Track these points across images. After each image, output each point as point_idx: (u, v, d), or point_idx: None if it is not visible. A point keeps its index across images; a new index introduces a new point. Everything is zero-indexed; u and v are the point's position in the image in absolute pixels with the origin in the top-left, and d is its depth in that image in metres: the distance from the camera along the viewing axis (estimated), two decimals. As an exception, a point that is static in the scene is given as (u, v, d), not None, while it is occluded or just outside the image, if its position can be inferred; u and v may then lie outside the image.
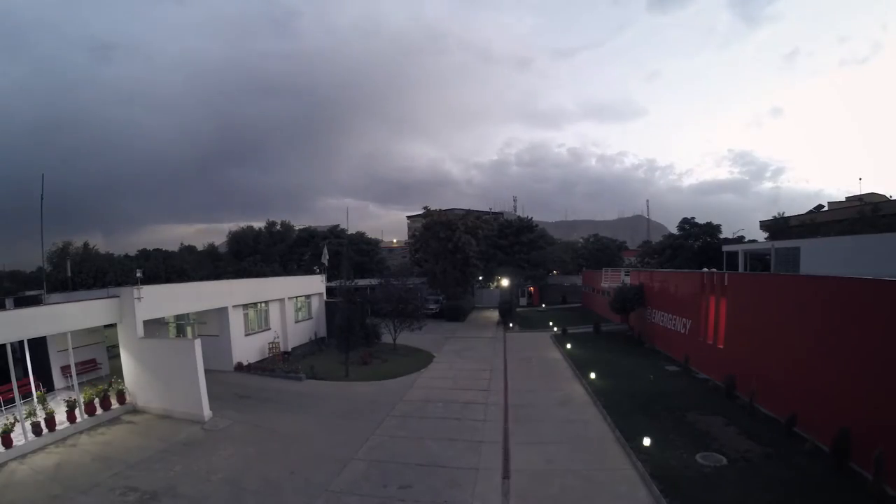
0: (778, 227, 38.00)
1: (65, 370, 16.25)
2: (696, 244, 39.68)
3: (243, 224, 54.33)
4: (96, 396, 13.86)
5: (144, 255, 45.79)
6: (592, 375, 17.39)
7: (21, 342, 13.29)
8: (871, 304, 9.86)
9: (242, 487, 9.77)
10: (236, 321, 20.55)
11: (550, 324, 31.96)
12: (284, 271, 43.85)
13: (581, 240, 70.33)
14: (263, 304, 22.88)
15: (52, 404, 13.04)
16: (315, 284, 28.25)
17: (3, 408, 13.37)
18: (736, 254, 28.54)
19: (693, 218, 41.85)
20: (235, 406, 15.06)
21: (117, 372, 15.91)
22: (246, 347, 20.94)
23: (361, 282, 36.68)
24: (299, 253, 51.00)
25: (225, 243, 54.28)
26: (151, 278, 31.43)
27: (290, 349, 23.27)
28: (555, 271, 54.19)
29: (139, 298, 14.81)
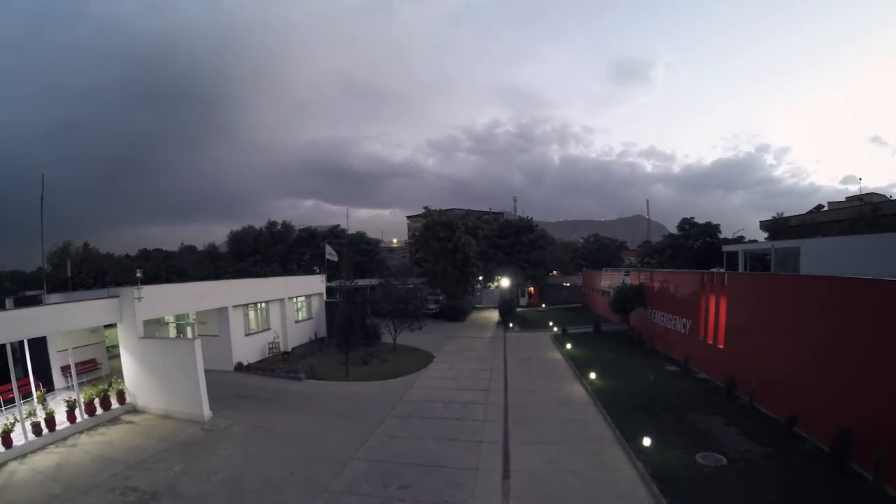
0: (778, 226, 38.06)
1: (65, 370, 16.25)
2: (696, 244, 39.74)
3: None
4: (96, 396, 13.87)
5: (144, 255, 45.86)
6: (592, 375, 17.39)
7: (21, 342, 13.30)
8: (871, 304, 9.86)
9: (242, 487, 9.77)
10: (236, 321, 20.55)
11: (550, 324, 31.96)
12: (284, 271, 43.86)
13: (581, 240, 70.47)
14: (263, 304, 22.87)
15: (52, 404, 13.02)
16: (315, 284, 28.25)
17: (3, 408, 13.39)
18: (736, 254, 28.49)
19: (693, 218, 41.97)
20: (235, 406, 15.06)
21: (117, 372, 15.92)
22: (246, 347, 20.94)
23: (361, 282, 36.70)
24: (299, 253, 51.03)
25: (225, 243, 54.30)
26: (151, 278, 31.43)
27: (290, 349, 23.28)
28: (555, 271, 54.20)
29: (139, 298, 14.81)
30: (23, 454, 11.36)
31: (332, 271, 33.03)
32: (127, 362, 15.00)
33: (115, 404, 14.34)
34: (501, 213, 70.91)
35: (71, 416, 12.90)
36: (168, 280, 35.70)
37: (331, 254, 30.70)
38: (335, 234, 51.85)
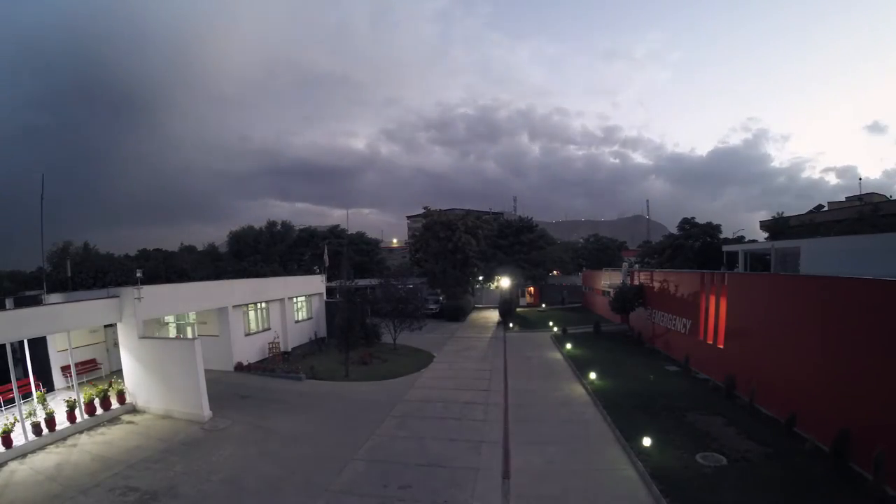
0: (778, 226, 38.09)
1: (65, 370, 16.25)
2: (696, 244, 39.73)
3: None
4: (96, 396, 13.87)
5: (144, 255, 45.89)
6: (592, 375, 17.38)
7: (21, 342, 13.30)
8: (871, 303, 9.86)
9: (242, 487, 9.77)
10: (236, 321, 20.55)
11: (550, 324, 31.96)
12: (284, 271, 43.86)
13: (581, 240, 70.56)
14: (263, 304, 22.88)
15: (52, 404, 13.02)
16: (315, 284, 28.27)
17: (3, 408, 13.38)
18: (736, 254, 28.52)
19: (693, 218, 42.00)
20: (235, 406, 15.06)
21: (117, 372, 15.90)
22: (246, 347, 20.94)
23: (361, 282, 36.68)
24: (299, 253, 51.04)
25: (225, 243, 54.30)
26: (151, 278, 31.42)
27: (290, 349, 23.28)
28: (555, 271, 54.21)
29: (139, 298, 14.82)
30: (23, 454, 11.36)
31: (331, 271, 33.05)
32: (127, 362, 15.00)
33: (115, 404, 14.35)
34: (501, 213, 71.01)
35: (71, 416, 12.90)
36: (168, 280, 35.71)
37: (325, 257, 30.75)
38: (335, 235, 51.86)
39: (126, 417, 14.19)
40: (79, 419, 13.09)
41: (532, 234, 48.20)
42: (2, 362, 13.08)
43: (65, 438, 12.39)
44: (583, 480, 9.79)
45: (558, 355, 22.86)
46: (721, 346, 16.60)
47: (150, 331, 16.68)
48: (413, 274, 39.59)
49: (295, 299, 25.73)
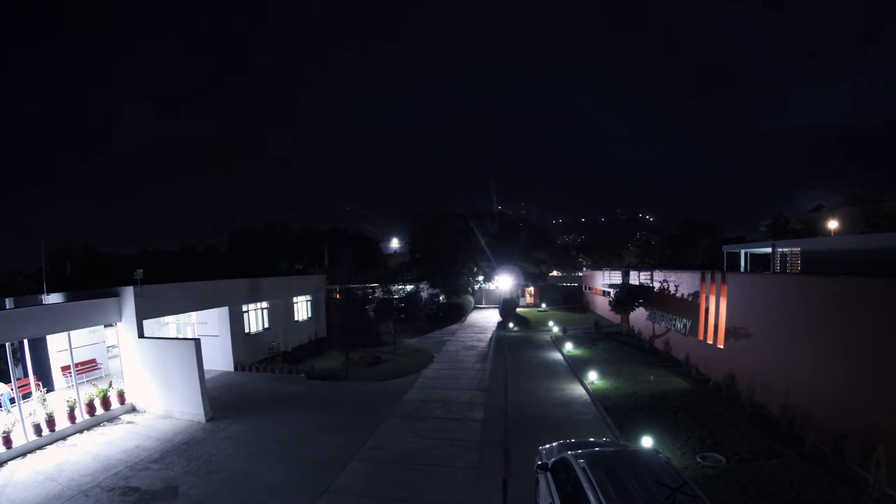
0: (778, 226, 38.14)
1: (65, 370, 16.26)
2: (697, 244, 39.80)
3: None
4: (96, 396, 13.88)
5: (144, 255, 45.89)
6: (592, 376, 17.38)
7: (21, 342, 13.30)
8: (871, 303, 9.86)
9: (242, 487, 9.77)
10: (236, 321, 20.56)
11: (550, 324, 31.97)
12: (285, 271, 43.87)
13: (581, 239, 70.62)
14: (263, 304, 22.88)
15: (52, 404, 13.03)
16: (315, 284, 28.28)
17: (3, 407, 13.38)
18: (737, 254, 28.55)
19: (694, 218, 42.08)
20: (235, 406, 15.07)
21: (117, 372, 15.89)
22: (246, 347, 20.95)
23: (361, 282, 36.71)
24: (299, 253, 51.05)
25: (225, 243, 54.28)
26: (151, 278, 31.39)
27: (290, 349, 23.30)
28: (555, 271, 54.25)
29: (140, 297, 14.83)
30: (23, 454, 11.37)
31: (332, 271, 33.08)
32: (127, 362, 15.01)
33: (115, 404, 14.36)
34: (502, 214, 71.09)
35: (71, 416, 12.91)
36: (168, 280, 35.68)
37: (325, 257, 30.85)
38: (335, 234, 51.87)
39: (126, 417, 14.20)
40: (79, 419, 13.09)
41: (532, 234, 48.27)
42: (2, 362, 13.10)
43: (65, 438, 12.40)
44: (583, 480, 9.78)
45: (558, 355, 22.86)
46: (721, 346, 16.59)
47: (151, 331, 16.68)
48: (413, 274, 39.64)
49: (295, 299, 25.73)
